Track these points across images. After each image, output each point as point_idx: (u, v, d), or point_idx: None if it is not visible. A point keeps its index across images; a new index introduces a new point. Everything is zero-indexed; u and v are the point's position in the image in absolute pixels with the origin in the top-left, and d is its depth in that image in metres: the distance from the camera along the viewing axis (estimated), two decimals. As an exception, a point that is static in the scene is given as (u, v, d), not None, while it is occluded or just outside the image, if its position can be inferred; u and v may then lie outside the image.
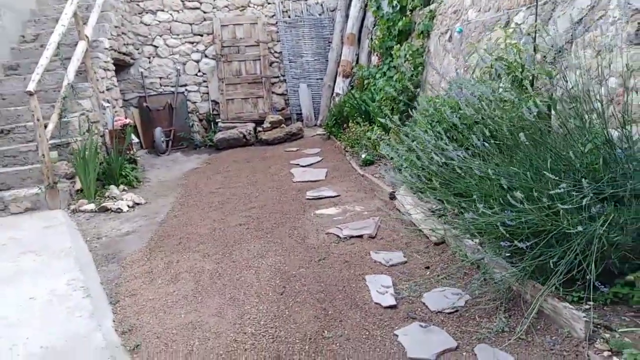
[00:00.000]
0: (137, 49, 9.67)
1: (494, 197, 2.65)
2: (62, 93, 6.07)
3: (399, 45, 7.19)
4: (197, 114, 10.12)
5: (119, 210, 5.59)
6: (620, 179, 2.58)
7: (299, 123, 9.74)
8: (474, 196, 2.60)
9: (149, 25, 9.73)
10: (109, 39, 7.83)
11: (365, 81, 8.49)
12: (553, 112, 3.33)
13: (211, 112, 10.09)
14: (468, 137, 2.87)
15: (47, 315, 3.05)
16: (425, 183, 2.96)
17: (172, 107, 9.71)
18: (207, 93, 10.09)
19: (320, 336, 2.68)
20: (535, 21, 3.74)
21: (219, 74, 9.89)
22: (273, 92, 10.29)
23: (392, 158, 3.36)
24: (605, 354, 2.14)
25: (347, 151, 7.38)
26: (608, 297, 2.49)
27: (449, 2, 6.11)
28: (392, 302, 2.91)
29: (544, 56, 3.96)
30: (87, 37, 6.60)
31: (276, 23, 10.19)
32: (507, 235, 2.41)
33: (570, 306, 2.37)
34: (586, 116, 2.81)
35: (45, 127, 5.56)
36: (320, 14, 10.32)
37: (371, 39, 9.11)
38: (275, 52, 10.33)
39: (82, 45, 6.46)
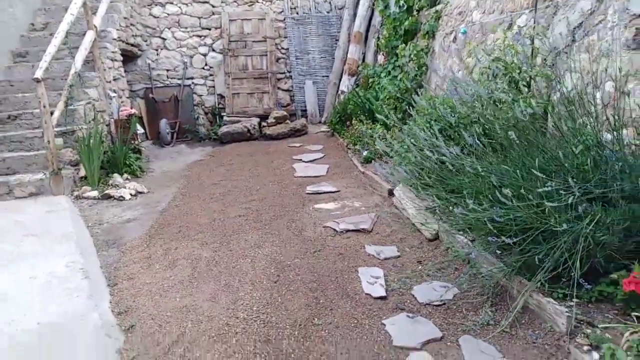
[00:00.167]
0: (145, 41, 9.75)
1: (485, 194, 2.71)
2: (69, 81, 6.15)
3: (404, 45, 7.24)
4: (203, 107, 10.20)
5: (121, 198, 5.67)
6: (610, 181, 2.64)
7: (303, 119, 9.81)
8: (464, 192, 2.65)
9: (158, 17, 9.81)
10: (117, 29, 7.91)
11: (370, 80, 8.54)
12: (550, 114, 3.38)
13: (217, 105, 10.17)
14: (463, 136, 2.92)
15: (46, 294, 3.13)
16: (419, 179, 3.02)
17: (178, 100, 9.79)
18: (213, 87, 10.17)
19: (310, 323, 2.75)
20: (534, 24, 3.79)
21: (225, 68, 9.97)
22: (279, 88, 10.36)
23: (387, 154, 3.42)
24: (585, 348, 2.20)
25: (349, 148, 7.44)
26: (593, 295, 2.54)
27: (455, 3, 6.16)
28: (383, 293, 2.98)
29: (544, 59, 4.01)
30: (95, 27, 6.69)
31: (284, 19, 10.26)
32: (495, 231, 2.47)
33: (554, 301, 2.42)
34: (579, 119, 2.86)
35: (52, 114, 5.65)
36: (328, 12, 10.38)
37: (378, 38, 9.15)
38: (282, 48, 10.39)
39: (90, 35, 6.55)
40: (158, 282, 3.40)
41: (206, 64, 10.13)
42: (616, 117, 2.79)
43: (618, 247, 2.55)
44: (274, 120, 9.50)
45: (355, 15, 9.82)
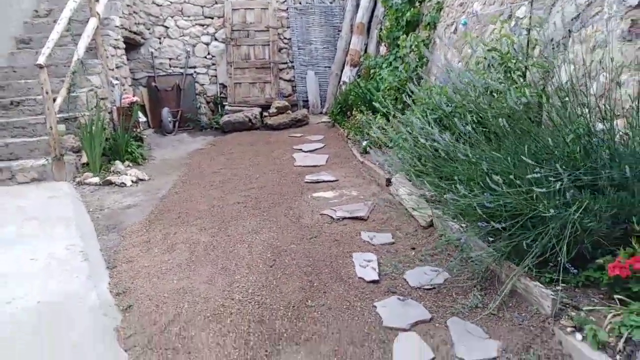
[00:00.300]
0: (148, 29, 9.78)
1: (476, 181, 2.76)
2: (71, 68, 6.21)
3: (405, 36, 7.25)
4: (205, 96, 10.24)
5: (122, 185, 5.74)
6: (600, 169, 2.68)
7: (304, 110, 9.85)
8: (456, 178, 2.70)
9: (161, 5, 9.83)
10: (120, 17, 7.95)
11: (372, 71, 8.55)
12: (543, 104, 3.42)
13: (219, 95, 10.20)
14: (456, 124, 2.96)
15: (46, 275, 3.20)
16: (413, 167, 3.07)
17: (181, 89, 9.83)
18: (216, 76, 10.20)
19: (304, 305, 2.81)
20: (530, 14, 3.81)
21: (228, 57, 9.99)
22: (281, 78, 10.38)
23: (384, 143, 3.46)
24: (569, 329, 2.25)
25: (349, 139, 7.48)
26: (580, 280, 2.59)
27: (456, -5, 6.17)
28: (375, 277, 3.04)
29: (542, 50, 4.04)
30: (98, 14, 6.73)
31: (287, 9, 10.27)
32: (485, 217, 2.52)
33: (540, 285, 2.48)
34: (571, 108, 2.89)
35: (54, 100, 5.71)
36: (331, 2, 10.38)
37: (380, 29, 9.15)
38: (285, 38, 10.41)
39: (93, 22, 6.59)
40: (156, 265, 3.47)
41: (209, 53, 10.16)
42: (607, 107, 2.82)
43: (606, 233, 2.59)
44: (275, 110, 9.53)
45: (358, 6, 9.82)
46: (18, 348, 2.41)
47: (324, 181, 5.55)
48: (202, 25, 10.04)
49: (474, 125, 2.98)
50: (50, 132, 5.61)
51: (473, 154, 2.72)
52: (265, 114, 9.63)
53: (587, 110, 2.93)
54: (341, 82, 9.74)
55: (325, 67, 10.37)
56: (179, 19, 9.94)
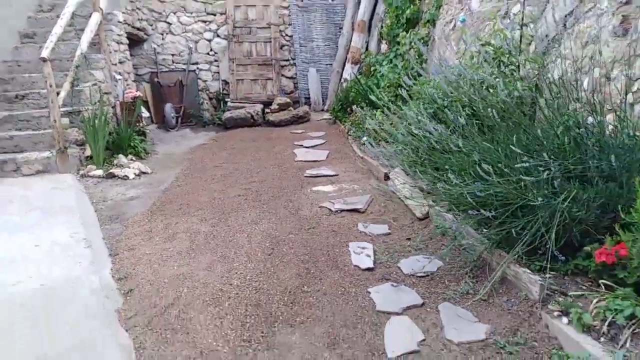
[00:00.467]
0: (151, 25, 9.86)
1: (468, 171, 2.83)
2: (75, 62, 6.28)
3: (405, 33, 7.32)
4: (207, 92, 10.32)
5: (125, 178, 5.82)
6: (590, 160, 2.75)
7: (306, 107, 9.92)
8: (447, 166, 2.78)
9: (164, 1, 9.90)
10: (123, 12, 8.04)
11: (372, 68, 8.62)
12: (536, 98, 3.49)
13: (221, 91, 10.28)
14: (448, 115, 3.04)
15: (50, 260, 3.29)
16: (407, 157, 3.15)
17: (183, 85, 9.92)
18: (218, 72, 10.28)
19: (300, 290, 2.89)
20: (523, 10, 3.89)
21: (230, 54, 10.07)
22: (282, 75, 10.46)
23: (380, 136, 3.54)
24: (556, 313, 2.33)
25: (349, 135, 7.55)
26: (569, 268, 2.67)
27: (455, -8, 6.23)
28: (370, 265, 3.12)
29: (536, 46, 4.11)
30: (101, 9, 6.80)
31: (288, 6, 10.33)
32: (475, 205, 2.59)
33: (529, 271, 2.56)
34: (561, 101, 2.97)
35: (58, 94, 5.79)
36: (332, 0, 10.44)
37: (381, 26, 9.22)
38: (287, 35, 10.48)
39: (96, 17, 6.67)
40: (157, 253, 3.56)
41: (211, 50, 10.24)
42: (597, 101, 2.89)
43: (594, 222, 2.67)
44: (277, 107, 9.61)
45: (359, 3, 9.87)
46: (23, 326, 2.50)
47: (323, 175, 5.62)
48: (205, 21, 10.12)
49: (466, 118, 3.06)
50: (54, 126, 5.69)
51: (465, 145, 2.79)
52: (267, 110, 9.71)
53: (577, 104, 3.01)
54: (342, 80, 9.80)
55: (327, 64, 10.44)
56: (181, 15, 10.02)
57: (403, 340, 2.33)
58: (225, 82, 10.27)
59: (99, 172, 5.86)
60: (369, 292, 2.81)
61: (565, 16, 3.84)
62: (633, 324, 2.08)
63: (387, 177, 5.11)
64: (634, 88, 3.09)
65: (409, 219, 4.00)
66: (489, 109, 2.67)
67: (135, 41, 9.35)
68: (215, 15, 10.12)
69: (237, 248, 3.59)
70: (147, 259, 3.46)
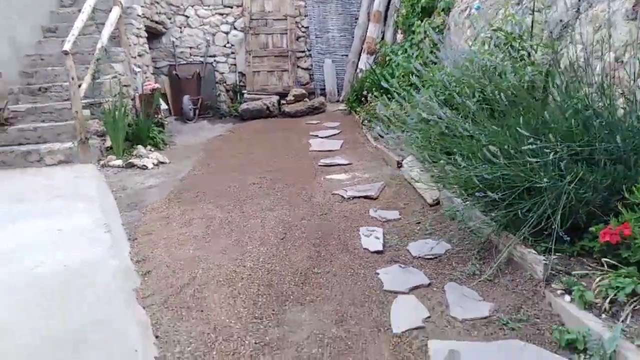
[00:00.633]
0: (170, 19, 10.02)
1: (477, 154, 2.87)
2: (96, 55, 6.46)
3: (420, 22, 7.31)
4: (224, 84, 10.46)
5: (144, 167, 5.98)
6: (598, 143, 2.77)
7: (321, 97, 9.98)
8: (455, 150, 2.82)
9: (181, -5, 10.07)
10: (142, 6, 8.19)
11: (387, 58, 8.63)
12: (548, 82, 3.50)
13: (238, 83, 10.41)
14: (460, 102, 3.08)
15: (71, 243, 3.44)
16: (417, 140, 3.20)
17: (201, 77, 10.06)
18: (235, 64, 10.41)
19: (311, 272, 2.98)
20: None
21: (246, 46, 10.17)
22: (298, 66, 10.53)
23: (390, 121, 3.59)
24: (559, 292, 2.37)
25: (364, 125, 7.60)
26: (575, 249, 2.69)
27: (470, -20, 6.21)
28: (380, 248, 3.19)
29: (550, 31, 4.10)
30: (121, 3, 6.96)
31: (305, -2, 10.39)
32: (481, 187, 2.64)
33: (534, 251, 2.59)
34: (571, 85, 2.98)
35: (79, 87, 5.96)
36: (348, -9, 10.46)
37: (397, 16, 9.21)
38: (303, 26, 10.53)
39: (116, 11, 6.82)
40: (174, 237, 3.67)
41: (228, 42, 10.36)
42: (606, 85, 2.90)
43: (601, 205, 2.69)
44: (293, 98, 9.70)
45: (375, -7, 9.89)
46: (47, 303, 2.63)
47: (337, 164, 5.69)
48: (222, 14, 10.24)
49: (477, 104, 3.09)
50: (76, 117, 5.87)
51: (474, 129, 2.83)
52: (283, 101, 9.80)
53: (587, 87, 3.02)
54: (358, 70, 9.83)
55: (343, 55, 10.48)
56: (199, 8, 10.15)
57: (408, 317, 2.39)
58: (242, 74, 10.39)
59: (119, 162, 6.02)
60: (378, 273, 2.88)
61: (579, 0, 3.82)
62: (634, 301, 2.12)
63: (400, 165, 5.16)
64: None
65: (420, 205, 4.05)
66: (497, 93, 2.70)
67: (153, 34, 9.52)
68: (232, 7, 10.23)
69: (251, 233, 3.68)
70: (164, 243, 3.58)
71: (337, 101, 10.34)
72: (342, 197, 4.42)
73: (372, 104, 7.51)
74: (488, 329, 2.27)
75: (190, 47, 10.21)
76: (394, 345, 2.23)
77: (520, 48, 3.46)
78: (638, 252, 2.27)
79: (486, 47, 3.71)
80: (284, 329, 2.42)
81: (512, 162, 2.65)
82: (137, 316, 2.57)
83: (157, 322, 2.54)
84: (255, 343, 2.32)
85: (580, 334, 2.06)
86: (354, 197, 4.37)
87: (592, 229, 2.56)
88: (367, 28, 9.90)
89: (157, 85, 7.80)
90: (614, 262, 2.40)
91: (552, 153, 2.49)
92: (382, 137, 3.89)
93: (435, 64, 6.60)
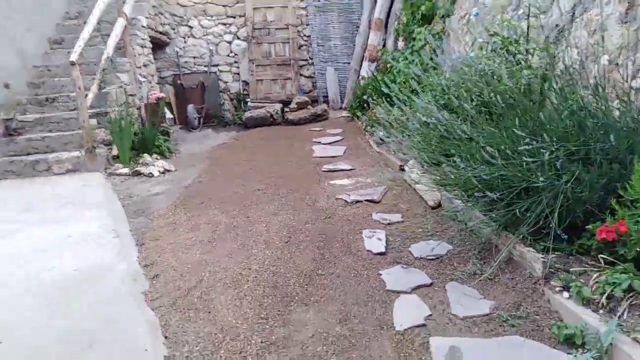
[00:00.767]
0: (173, 29, 10.16)
1: (475, 156, 2.94)
2: (101, 66, 6.56)
3: (420, 29, 7.41)
4: (228, 93, 10.58)
5: (150, 175, 6.07)
6: (594, 143, 2.83)
7: (324, 105, 10.08)
8: (453, 152, 2.89)
9: (185, 6, 10.20)
10: (146, 17, 8.33)
11: (389, 64, 8.72)
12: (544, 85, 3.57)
13: (241, 91, 10.52)
14: (458, 105, 3.15)
15: (81, 248, 3.52)
16: (417, 143, 3.27)
17: (205, 86, 10.17)
18: (238, 73, 10.53)
19: (315, 273, 3.05)
20: (530, 1, 3.96)
21: (249, 55, 10.30)
22: (301, 75, 10.64)
23: (391, 125, 3.67)
24: (557, 289, 2.43)
25: (366, 131, 7.68)
26: (574, 248, 2.75)
27: (469, -13, 6.31)
28: (382, 249, 3.25)
29: (546, 36, 4.18)
30: (125, 14, 7.08)
31: (306, 7, 10.51)
32: (480, 187, 2.70)
33: (532, 250, 2.65)
34: (566, 87, 3.05)
35: (86, 97, 6.07)
36: (349, -1, 10.59)
37: (398, 24, 9.31)
38: (305, 35, 10.65)
39: (121, 22, 6.94)
40: (181, 242, 3.75)
41: (231, 51, 10.48)
42: (601, 86, 2.97)
43: (598, 204, 2.75)
44: (296, 106, 9.80)
45: (375, 1, 9.99)
46: (58, 305, 2.71)
47: (340, 170, 5.77)
48: (225, 24, 10.38)
49: (475, 107, 3.16)
50: (83, 126, 5.97)
51: (472, 132, 2.90)
52: (286, 109, 9.90)
53: (582, 89, 3.09)
54: (360, 78, 9.92)
55: (344, 63, 10.58)
56: (202, 19, 10.29)
57: (410, 316, 2.46)
58: (245, 83, 10.50)
59: (125, 170, 6.11)
60: (380, 274, 2.94)
61: (574, 5, 3.90)
62: (631, 296, 2.17)
63: (402, 169, 5.23)
64: (640, 73, 3.15)
65: (423, 208, 4.11)
66: (494, 96, 2.77)
67: (158, 45, 9.65)
68: (234, 17, 10.37)
69: (256, 237, 3.76)
70: (171, 247, 3.66)
71: (340, 108, 10.43)
72: (345, 201, 4.48)
73: (374, 110, 7.60)
74: (488, 326, 2.33)
75: (194, 57, 10.35)
76: (396, 343, 2.30)
77: (516, 52, 3.54)
78: (634, 248, 2.32)
79: (484, 52, 3.79)
80: (289, 329, 2.48)
81: (510, 162, 2.72)
82: (146, 317, 2.64)
83: (166, 323, 2.60)
84: (262, 342, 2.38)
85: (578, 329, 2.11)
86: (357, 201, 4.44)
87: (590, 227, 2.62)
88: (369, 36, 10.00)
89: (162, 95, 7.92)
90: (611, 259, 2.45)
91: (548, 153, 2.55)
92: (384, 141, 3.97)
93: (435, 69, 6.70)
